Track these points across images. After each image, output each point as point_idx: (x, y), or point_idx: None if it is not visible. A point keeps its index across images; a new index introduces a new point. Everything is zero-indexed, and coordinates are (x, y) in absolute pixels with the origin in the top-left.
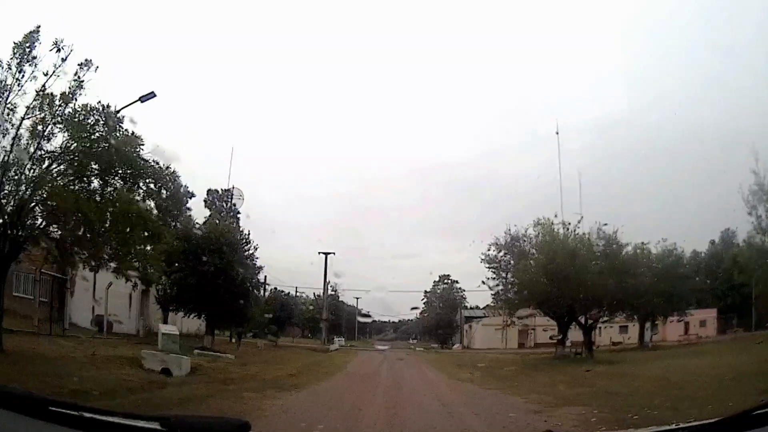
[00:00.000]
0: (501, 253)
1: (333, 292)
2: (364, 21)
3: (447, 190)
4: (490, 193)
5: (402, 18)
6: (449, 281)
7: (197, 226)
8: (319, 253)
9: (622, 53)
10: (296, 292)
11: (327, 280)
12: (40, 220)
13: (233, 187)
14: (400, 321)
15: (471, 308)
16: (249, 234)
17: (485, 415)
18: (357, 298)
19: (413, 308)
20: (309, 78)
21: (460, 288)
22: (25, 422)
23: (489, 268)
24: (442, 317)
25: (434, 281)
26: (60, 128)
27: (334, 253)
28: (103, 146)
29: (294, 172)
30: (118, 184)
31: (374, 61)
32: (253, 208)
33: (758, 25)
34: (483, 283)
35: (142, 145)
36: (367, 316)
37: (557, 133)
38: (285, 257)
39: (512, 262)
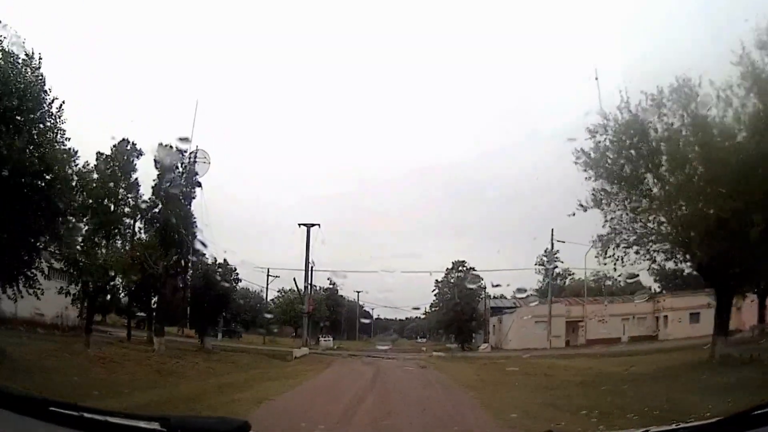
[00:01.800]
0: (606, 144)
1: (331, 285)
2: (363, 19)
3: (447, 190)
4: (491, 194)
5: (400, 16)
6: (465, 268)
7: None
8: (299, 225)
9: (622, 53)
10: (267, 274)
11: (311, 262)
12: None
13: (197, 149)
14: (407, 318)
15: (496, 297)
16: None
17: None
18: (358, 292)
19: (415, 308)
20: (310, 78)
21: (477, 276)
22: (25, 422)
23: (594, 178)
24: (464, 308)
25: (447, 268)
26: None
27: (318, 225)
28: None
29: (293, 172)
30: None
31: (376, 62)
32: (254, 209)
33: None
34: (582, 209)
35: None
36: (368, 315)
37: (596, 79)
38: (284, 258)
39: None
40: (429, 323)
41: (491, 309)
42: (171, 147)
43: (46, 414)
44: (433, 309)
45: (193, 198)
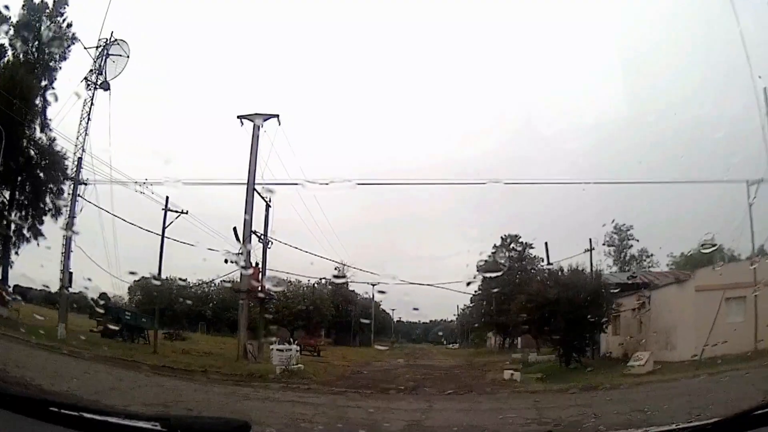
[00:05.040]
0: None
1: (341, 277)
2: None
3: (469, 191)
4: (515, 195)
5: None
6: (521, 243)
7: None
8: (239, 117)
9: (623, 52)
10: (166, 207)
11: (265, 198)
12: None
13: (112, 38)
14: (431, 321)
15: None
16: None
17: None
18: (373, 285)
19: (415, 308)
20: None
21: (536, 257)
22: (25, 422)
23: None
24: (577, 285)
25: (495, 245)
26: None
27: (277, 118)
28: None
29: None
30: None
31: (389, 59)
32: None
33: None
34: None
35: None
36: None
37: None
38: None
39: None
40: (475, 316)
41: (613, 289)
42: (44, 2)
43: (46, 414)
44: (474, 303)
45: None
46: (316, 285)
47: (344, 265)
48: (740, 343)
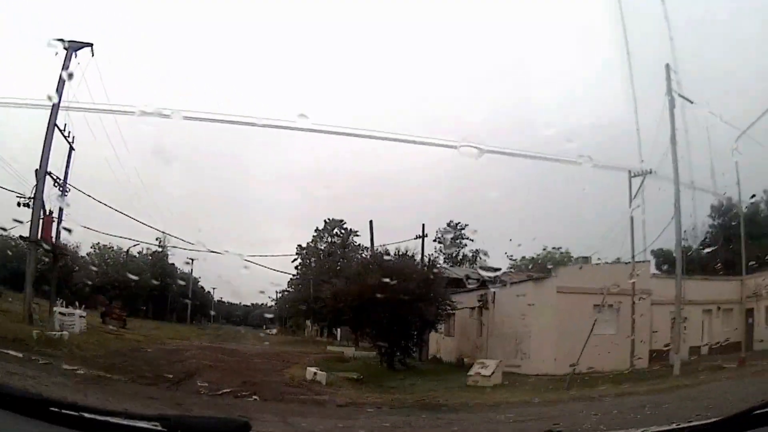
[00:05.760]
0: None
1: (160, 248)
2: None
3: (300, 177)
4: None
5: None
6: (346, 229)
7: None
8: (50, 43)
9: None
10: None
11: (66, 136)
12: None
13: None
14: (252, 305)
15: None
16: None
17: None
18: (192, 260)
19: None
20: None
21: (361, 245)
22: (25, 422)
23: None
24: (407, 270)
25: (316, 229)
26: None
27: (91, 47)
28: None
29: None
30: None
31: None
32: None
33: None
34: None
35: None
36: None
37: None
38: None
39: None
40: (284, 308)
41: (451, 283)
42: None
43: (46, 414)
44: (293, 288)
45: None
46: (137, 254)
47: (165, 234)
48: (612, 359)
